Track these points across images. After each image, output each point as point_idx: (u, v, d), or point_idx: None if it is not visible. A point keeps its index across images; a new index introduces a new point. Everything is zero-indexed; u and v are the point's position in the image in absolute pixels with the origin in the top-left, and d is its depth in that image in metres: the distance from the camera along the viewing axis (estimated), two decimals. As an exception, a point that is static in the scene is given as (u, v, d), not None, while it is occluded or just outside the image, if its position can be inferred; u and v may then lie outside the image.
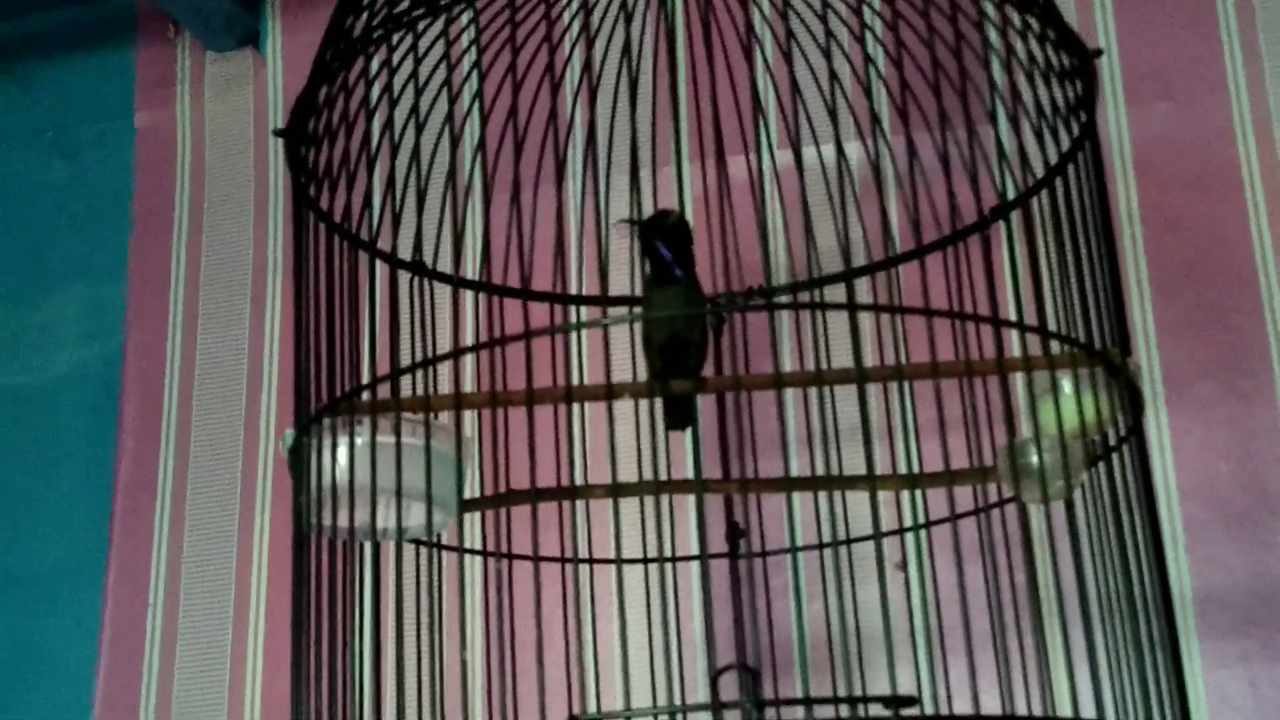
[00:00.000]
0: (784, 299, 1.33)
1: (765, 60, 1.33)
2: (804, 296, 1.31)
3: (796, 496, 1.44)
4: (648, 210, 1.23)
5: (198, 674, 1.77)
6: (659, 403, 1.24)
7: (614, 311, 1.39)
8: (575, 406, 1.32)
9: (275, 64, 1.99)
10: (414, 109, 1.09)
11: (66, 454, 1.90)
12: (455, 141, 1.03)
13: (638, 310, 1.32)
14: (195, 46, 2.03)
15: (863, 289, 1.32)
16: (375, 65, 1.11)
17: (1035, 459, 1.08)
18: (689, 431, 1.27)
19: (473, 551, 1.19)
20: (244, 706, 1.74)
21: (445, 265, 1.21)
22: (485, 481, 1.19)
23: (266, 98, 1.99)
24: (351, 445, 1.02)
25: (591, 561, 1.28)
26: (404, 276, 1.15)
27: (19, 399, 1.94)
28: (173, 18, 2.02)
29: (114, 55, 2.06)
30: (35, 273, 1.99)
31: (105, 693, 1.79)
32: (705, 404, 1.61)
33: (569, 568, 1.15)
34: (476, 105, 1.11)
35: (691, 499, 1.43)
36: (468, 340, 1.54)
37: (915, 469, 1.14)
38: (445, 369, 1.04)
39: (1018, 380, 1.12)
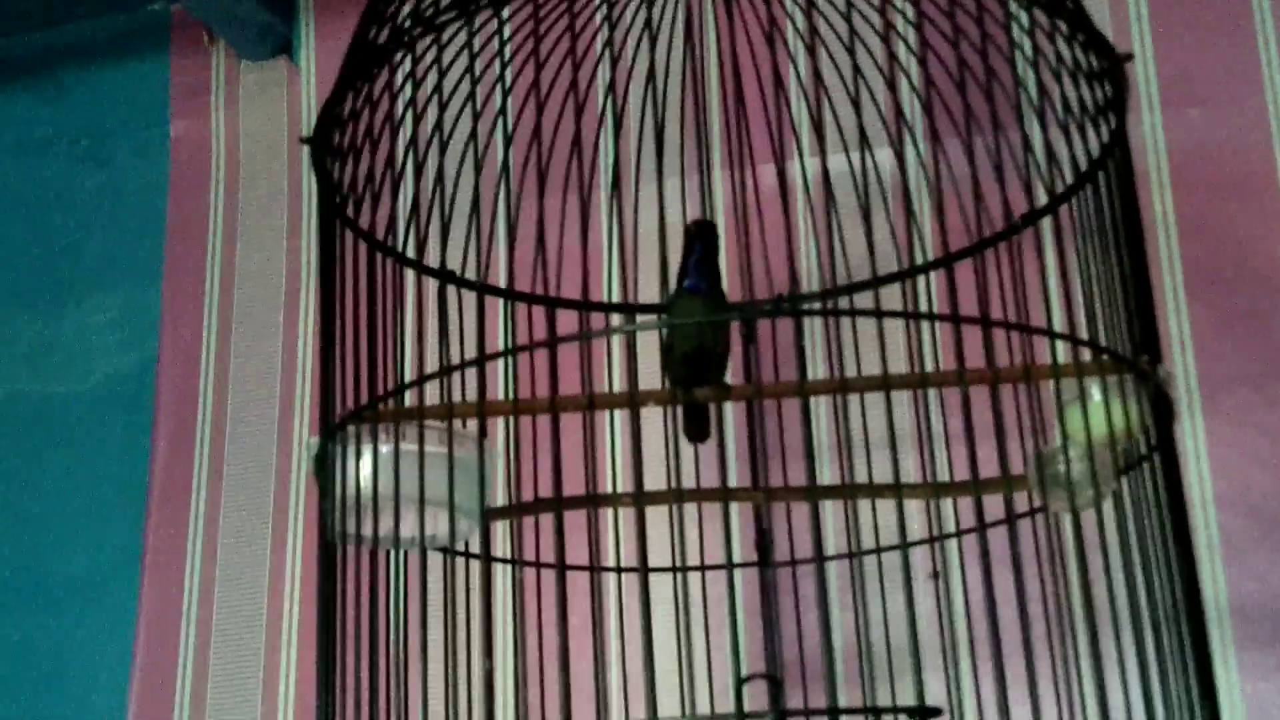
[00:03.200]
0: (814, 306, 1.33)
1: (795, 68, 1.33)
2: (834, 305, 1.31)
3: (827, 505, 1.43)
4: (674, 216, 1.23)
5: (231, 680, 1.77)
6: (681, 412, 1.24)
7: (640, 320, 1.39)
8: (607, 414, 1.32)
9: (309, 72, 2.00)
10: (441, 110, 1.09)
11: (101, 461, 1.91)
12: (476, 144, 1.03)
13: (663, 318, 1.31)
14: (229, 55, 2.04)
15: (893, 298, 1.31)
16: (404, 69, 1.11)
17: (1064, 468, 1.07)
18: (715, 440, 1.27)
19: (499, 560, 1.19)
20: (277, 713, 1.74)
21: (472, 273, 1.21)
22: (515, 490, 1.19)
23: (300, 106, 1.99)
24: (375, 454, 1.02)
25: (619, 570, 1.28)
26: (431, 284, 1.15)
27: (54, 406, 1.95)
28: (207, 27, 2.02)
29: (149, 64, 2.07)
30: (70, 280, 2.00)
31: (139, 699, 1.79)
32: (736, 413, 1.60)
33: (594, 576, 1.14)
34: (503, 110, 1.11)
35: (701, 508, 1.43)
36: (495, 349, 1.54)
37: (943, 477, 1.13)
38: (472, 377, 1.04)
39: (1048, 388, 1.11)
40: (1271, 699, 1.50)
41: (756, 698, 1.33)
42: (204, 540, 1.83)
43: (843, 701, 1.33)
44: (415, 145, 1.11)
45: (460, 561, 1.15)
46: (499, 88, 1.11)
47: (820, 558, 0.97)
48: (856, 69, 1.01)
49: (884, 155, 1.25)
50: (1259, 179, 1.66)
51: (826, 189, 1.02)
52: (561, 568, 0.96)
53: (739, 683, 0.89)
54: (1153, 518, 1.06)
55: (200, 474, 1.86)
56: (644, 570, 0.94)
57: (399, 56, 1.10)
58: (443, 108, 1.10)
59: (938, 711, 0.91)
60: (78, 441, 1.93)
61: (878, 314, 0.98)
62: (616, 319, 1.43)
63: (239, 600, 1.80)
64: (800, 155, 1.42)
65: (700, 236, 1.18)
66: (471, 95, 1.09)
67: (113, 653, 1.82)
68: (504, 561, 1.22)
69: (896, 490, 0.95)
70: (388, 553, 1.07)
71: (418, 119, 1.09)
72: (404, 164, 1.11)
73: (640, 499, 0.97)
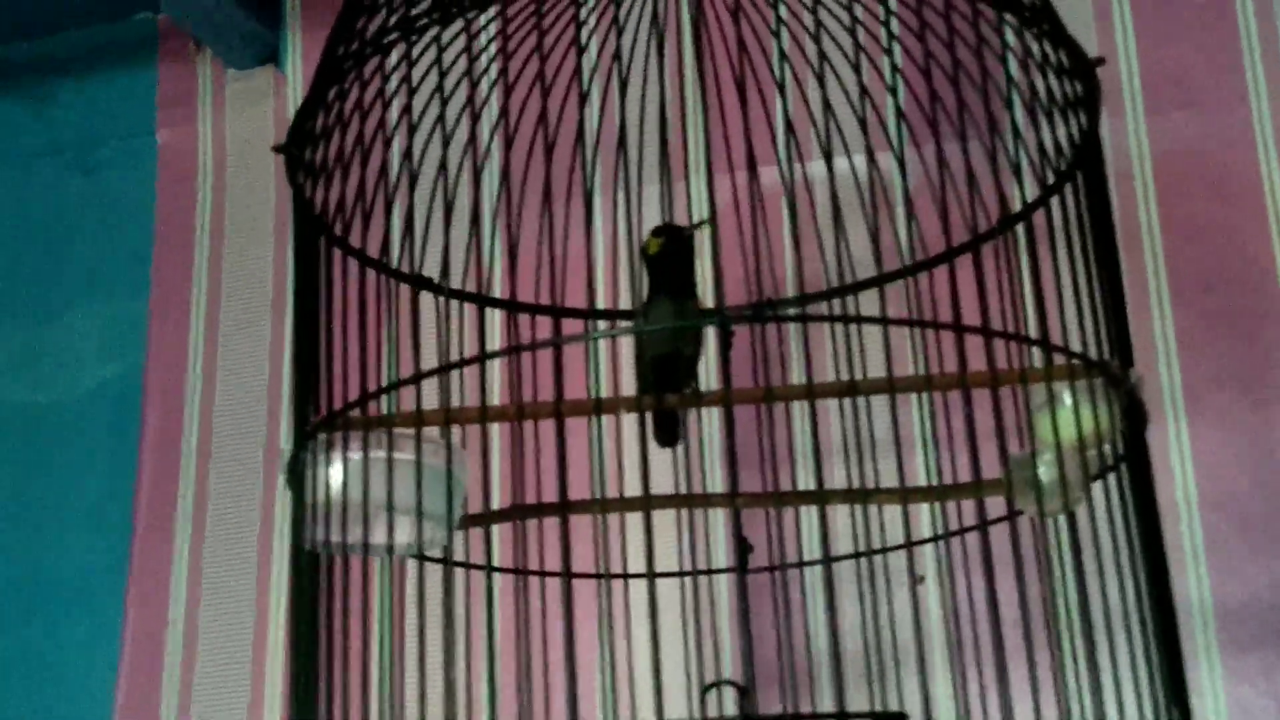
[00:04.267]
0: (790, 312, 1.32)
1: (775, 74, 1.32)
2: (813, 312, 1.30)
3: (811, 511, 1.43)
4: (652, 222, 1.23)
5: (217, 688, 1.77)
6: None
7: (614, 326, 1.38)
8: (586, 421, 1.32)
9: (295, 81, 2.00)
10: (411, 129, 1.09)
11: (88, 470, 1.91)
12: (446, 154, 1.03)
13: (629, 324, 1.31)
14: (216, 64, 2.04)
15: (871, 305, 1.31)
16: (378, 77, 1.11)
17: (1034, 473, 1.06)
18: (696, 446, 1.27)
19: (472, 566, 1.19)
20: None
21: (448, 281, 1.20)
22: (487, 498, 1.19)
23: (286, 114, 1.99)
24: (345, 461, 1.02)
25: (596, 576, 1.27)
26: (404, 292, 1.15)
27: (41, 416, 1.95)
28: (193, 35, 2.02)
29: (135, 73, 2.06)
30: (57, 290, 2.00)
31: (125, 707, 1.79)
32: (719, 419, 1.60)
33: (566, 583, 1.14)
34: (474, 118, 1.11)
35: (705, 515, 1.43)
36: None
37: (920, 482, 1.13)
38: (443, 384, 1.04)
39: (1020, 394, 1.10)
40: (1255, 702, 1.50)
41: (734, 704, 1.33)
42: (190, 549, 1.83)
43: (821, 708, 1.33)
44: (387, 152, 1.11)
45: (433, 569, 1.15)
46: (473, 93, 1.11)
47: (787, 564, 0.97)
48: (823, 56, 1.01)
49: (860, 162, 1.25)
50: (1243, 182, 1.66)
51: (792, 196, 1.02)
52: (531, 574, 0.97)
53: (705, 689, 0.89)
54: (1126, 522, 1.06)
55: (186, 482, 1.86)
56: (612, 576, 0.94)
57: (371, 65, 1.10)
58: (413, 129, 1.10)
59: (903, 716, 0.91)
60: (65, 451, 1.93)
61: (846, 320, 0.98)
62: (594, 326, 1.42)
63: (225, 608, 1.80)
64: (778, 161, 1.41)
65: (669, 242, 1.19)
66: (442, 111, 1.09)
67: (99, 661, 1.82)
68: (476, 568, 1.21)
69: (862, 496, 0.94)
70: (362, 560, 1.07)
71: (389, 138, 1.09)
72: (380, 174, 1.11)
73: (609, 506, 0.97)
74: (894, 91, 1.15)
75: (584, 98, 1.02)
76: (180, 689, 1.78)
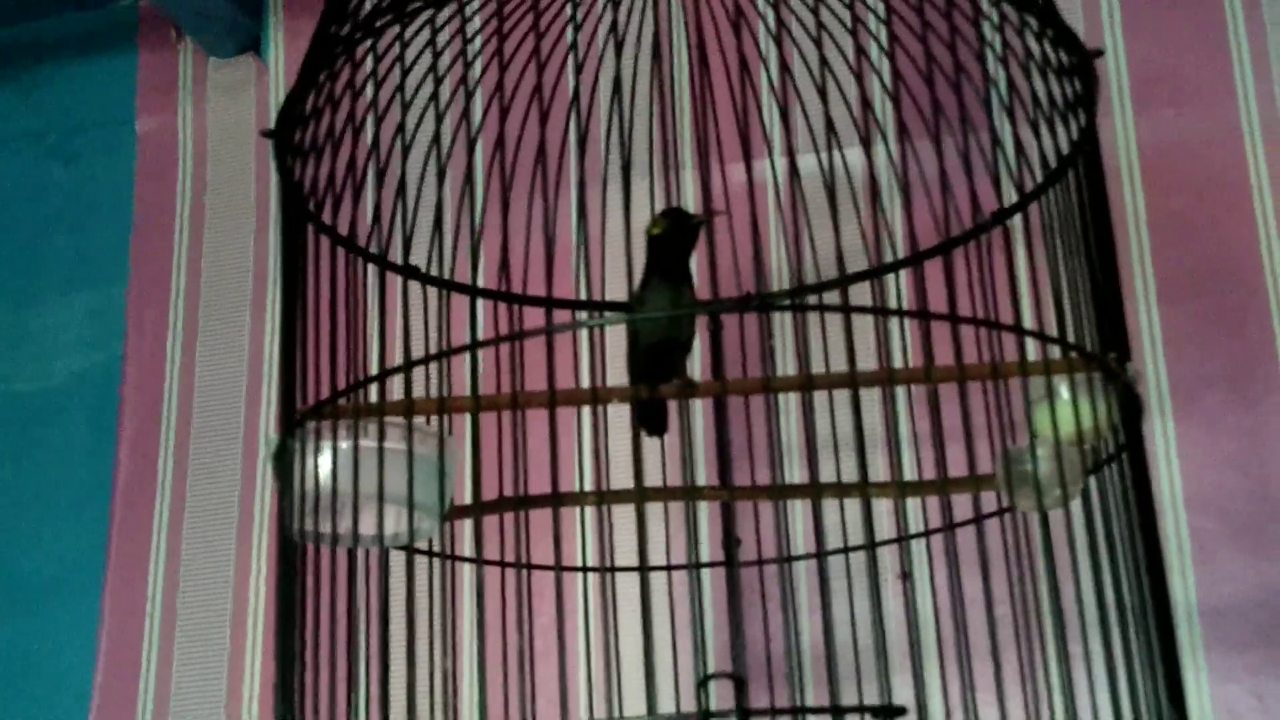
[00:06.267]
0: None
1: (765, 66, 1.32)
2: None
3: (794, 505, 1.42)
4: (643, 214, 1.22)
5: (195, 680, 1.75)
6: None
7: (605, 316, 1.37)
8: (573, 412, 1.31)
9: (277, 70, 1.98)
10: (404, 107, 1.08)
11: (65, 460, 1.89)
12: (439, 140, 1.01)
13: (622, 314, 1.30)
14: (197, 52, 2.02)
15: (863, 298, 1.30)
16: (367, 64, 1.10)
17: (1031, 467, 1.06)
18: (682, 439, 1.26)
19: (461, 559, 1.18)
20: (241, 712, 1.72)
21: (436, 270, 1.19)
22: (478, 488, 1.18)
23: (268, 104, 1.98)
24: (335, 450, 1.01)
25: (583, 570, 1.26)
26: (396, 281, 1.14)
27: (18, 405, 1.93)
28: (175, 24, 2.01)
29: (116, 60, 2.05)
30: (35, 278, 1.98)
31: (102, 699, 1.78)
32: (704, 412, 1.59)
33: (558, 576, 1.13)
34: (467, 106, 1.10)
35: (692, 507, 1.42)
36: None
37: (910, 477, 1.12)
38: (433, 375, 1.02)
39: (1018, 387, 1.10)
40: (1241, 701, 1.50)
41: (722, 699, 1.32)
42: (168, 539, 1.82)
43: (809, 703, 1.32)
44: (379, 141, 1.10)
45: (422, 560, 1.13)
46: (464, 83, 1.10)
47: (786, 558, 0.96)
48: (824, 62, 1.00)
49: (854, 154, 1.24)
50: (1231, 179, 1.66)
51: (794, 188, 1.01)
52: (524, 567, 0.95)
53: (702, 681, 0.88)
54: (1121, 517, 1.05)
55: (165, 473, 1.85)
56: (607, 570, 0.93)
57: (362, 50, 1.09)
58: (406, 106, 1.08)
59: (902, 710, 0.90)
60: (42, 440, 1.91)
61: (846, 309, 0.97)
62: (583, 316, 1.42)
63: (203, 599, 1.78)
64: (770, 154, 1.40)
65: (674, 225, 1.18)
66: (435, 91, 1.07)
67: (76, 652, 1.80)
68: (466, 561, 1.20)
69: (863, 489, 0.93)
70: (349, 551, 1.05)
71: (380, 116, 1.08)
72: (367, 160, 1.10)
73: (604, 498, 0.96)
74: (894, 97, 1.14)
75: (576, 93, 1.01)
76: (158, 681, 1.76)
